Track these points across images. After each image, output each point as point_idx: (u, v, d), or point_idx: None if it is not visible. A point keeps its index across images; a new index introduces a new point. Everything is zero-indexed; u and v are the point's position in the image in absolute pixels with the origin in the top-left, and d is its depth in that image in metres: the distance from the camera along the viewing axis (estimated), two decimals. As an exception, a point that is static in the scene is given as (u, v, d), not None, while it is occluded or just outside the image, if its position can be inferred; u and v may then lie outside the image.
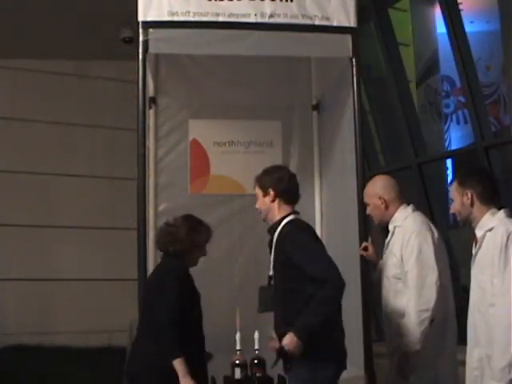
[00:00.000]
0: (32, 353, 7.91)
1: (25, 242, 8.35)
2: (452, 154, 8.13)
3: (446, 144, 8.38)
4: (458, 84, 7.45)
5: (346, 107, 4.35)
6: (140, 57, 4.00)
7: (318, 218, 4.94)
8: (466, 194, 3.26)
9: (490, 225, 3.19)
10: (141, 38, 4.00)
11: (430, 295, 3.51)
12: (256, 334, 4.01)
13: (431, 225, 3.76)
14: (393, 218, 3.77)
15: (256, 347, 3.99)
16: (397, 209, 3.78)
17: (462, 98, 7.67)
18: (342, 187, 4.51)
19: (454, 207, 3.33)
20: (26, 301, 8.25)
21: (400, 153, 7.41)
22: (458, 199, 3.29)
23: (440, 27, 7.36)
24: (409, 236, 3.63)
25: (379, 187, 3.83)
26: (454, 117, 8.35)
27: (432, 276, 3.52)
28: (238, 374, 3.98)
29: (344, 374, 3.87)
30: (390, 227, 3.78)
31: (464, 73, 6.42)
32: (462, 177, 3.37)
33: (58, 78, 8.68)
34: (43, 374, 7.18)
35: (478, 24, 7.51)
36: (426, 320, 3.48)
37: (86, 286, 8.40)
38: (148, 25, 4.02)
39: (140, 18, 4.03)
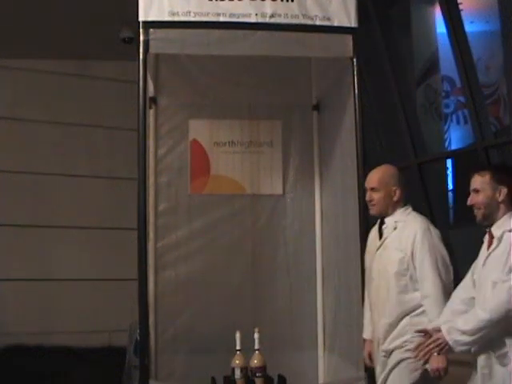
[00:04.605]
0: (32, 353, 7.91)
1: (25, 242, 8.34)
2: (452, 154, 8.12)
3: (446, 144, 8.37)
4: (458, 84, 7.44)
5: (346, 107, 4.35)
6: (140, 57, 4.00)
7: (318, 218, 4.94)
8: (500, 191, 3.16)
9: (511, 225, 3.10)
10: (141, 38, 4.00)
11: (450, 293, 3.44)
12: (256, 334, 4.02)
13: None
14: (395, 213, 3.66)
15: (256, 347, 4.00)
16: (400, 204, 3.69)
17: (462, 98, 7.65)
18: (342, 187, 4.51)
19: (479, 200, 3.19)
20: (26, 301, 8.24)
21: (400, 153, 7.40)
22: (489, 193, 3.17)
23: (440, 27, 7.35)
24: (422, 233, 3.52)
25: (396, 177, 3.71)
26: (454, 117, 8.34)
27: (450, 274, 3.48)
28: (237, 374, 3.98)
29: (344, 374, 3.88)
30: (390, 222, 3.66)
31: (464, 73, 6.42)
32: (498, 172, 3.23)
33: (58, 78, 8.66)
34: (43, 374, 7.18)
35: (478, 24, 7.49)
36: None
37: (86, 286, 8.39)
38: (149, 25, 4.02)
39: (141, 18, 4.03)
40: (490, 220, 3.19)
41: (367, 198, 3.72)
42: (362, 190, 4.05)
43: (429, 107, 8.11)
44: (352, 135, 4.21)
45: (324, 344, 4.78)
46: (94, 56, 8.39)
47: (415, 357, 3.30)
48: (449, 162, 8.11)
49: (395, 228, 3.63)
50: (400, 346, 3.50)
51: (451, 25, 6.44)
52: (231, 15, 4.06)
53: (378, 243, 3.67)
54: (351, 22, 4.16)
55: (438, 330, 3.16)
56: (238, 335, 4.02)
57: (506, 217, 3.15)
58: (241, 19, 4.07)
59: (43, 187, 8.54)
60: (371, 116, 7.42)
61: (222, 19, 4.06)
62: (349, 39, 4.17)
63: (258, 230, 4.82)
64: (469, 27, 6.62)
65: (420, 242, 3.51)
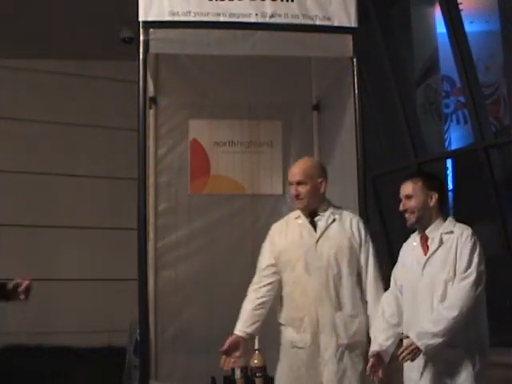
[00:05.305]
0: (32, 353, 7.90)
1: (25, 242, 8.34)
2: (452, 154, 8.12)
3: (446, 144, 8.36)
4: (458, 84, 7.44)
5: (346, 107, 4.36)
6: (141, 57, 4.01)
7: (318, 218, 4.93)
8: (431, 197, 3.34)
9: (448, 228, 3.29)
10: (141, 38, 4.00)
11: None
12: (256, 334, 4.01)
13: None
14: (328, 206, 3.67)
15: (256, 347, 3.99)
16: (325, 197, 3.70)
17: (462, 98, 7.66)
18: (342, 187, 4.51)
19: (412, 205, 3.35)
20: (26, 301, 8.23)
21: (400, 153, 7.40)
22: (421, 198, 3.34)
23: (440, 27, 7.35)
24: (362, 222, 3.68)
25: (322, 169, 3.70)
26: (454, 117, 8.34)
27: None
28: (237, 374, 3.98)
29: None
30: (327, 213, 3.65)
31: (464, 73, 6.42)
32: (428, 178, 3.43)
33: (58, 78, 8.66)
34: (43, 374, 7.18)
35: (478, 24, 7.50)
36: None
37: (86, 286, 8.39)
38: (149, 25, 4.03)
39: (141, 18, 4.04)
40: (421, 224, 3.36)
41: (293, 192, 3.66)
42: (362, 190, 4.06)
43: (429, 107, 8.11)
44: (352, 135, 4.21)
45: (324, 344, 4.76)
46: (93, 56, 8.38)
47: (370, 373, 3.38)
48: (449, 162, 8.12)
49: (334, 220, 3.64)
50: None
51: (451, 25, 6.44)
52: (231, 15, 4.07)
53: (316, 235, 3.62)
54: (351, 21, 4.17)
55: (406, 337, 3.22)
56: (238, 335, 4.01)
57: (438, 221, 3.34)
58: (241, 19, 4.08)
59: (43, 187, 8.53)
60: (371, 116, 7.41)
61: (222, 19, 4.07)
62: (349, 39, 4.18)
63: (257, 230, 4.81)
64: (469, 27, 6.61)
65: (363, 228, 3.64)
